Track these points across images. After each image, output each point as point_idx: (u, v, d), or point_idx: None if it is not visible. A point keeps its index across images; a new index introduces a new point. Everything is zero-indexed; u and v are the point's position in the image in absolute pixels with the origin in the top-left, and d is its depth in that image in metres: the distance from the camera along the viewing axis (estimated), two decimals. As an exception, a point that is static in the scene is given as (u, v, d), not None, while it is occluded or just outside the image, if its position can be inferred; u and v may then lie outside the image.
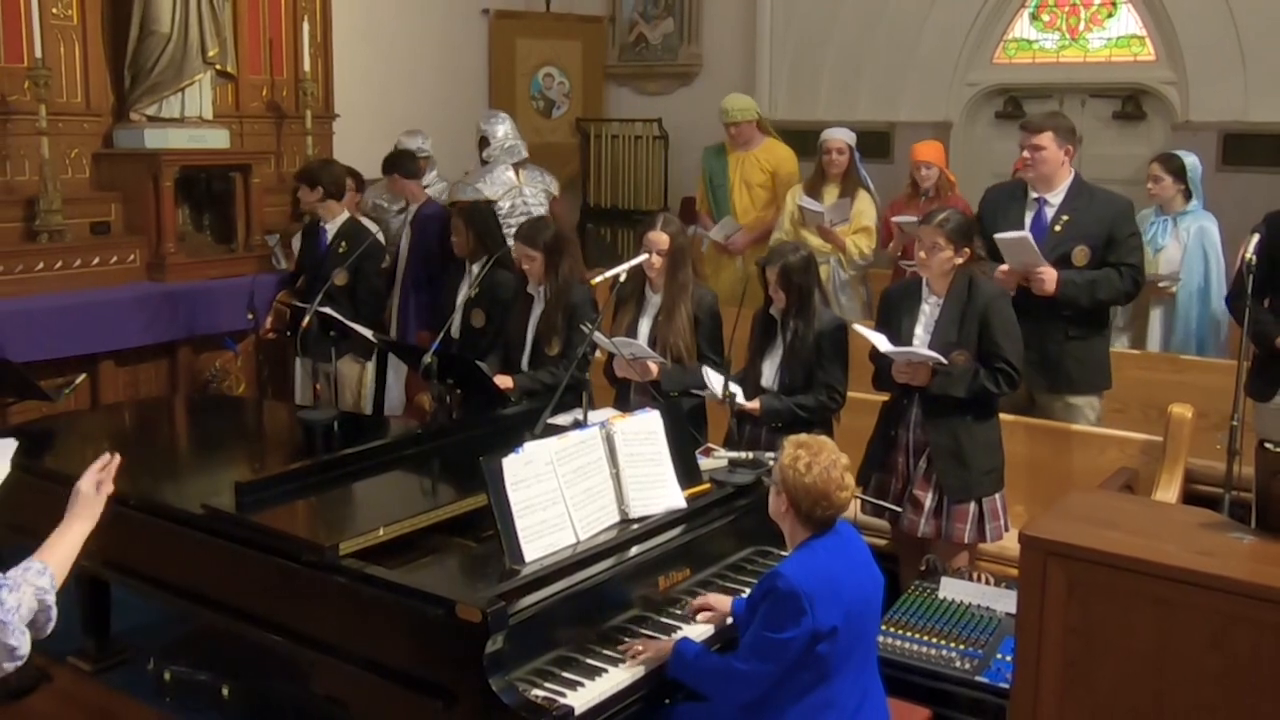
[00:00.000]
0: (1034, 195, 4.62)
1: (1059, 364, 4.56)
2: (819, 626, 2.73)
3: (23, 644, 2.08)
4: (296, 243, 6.30)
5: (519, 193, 6.53)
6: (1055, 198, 4.57)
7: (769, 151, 6.72)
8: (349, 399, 5.77)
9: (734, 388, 4.10)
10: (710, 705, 2.97)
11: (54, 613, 2.16)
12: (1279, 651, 2.37)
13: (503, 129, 6.63)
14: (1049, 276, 4.40)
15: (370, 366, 6.01)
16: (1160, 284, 5.38)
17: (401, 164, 6.38)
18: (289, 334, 5.72)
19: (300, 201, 5.77)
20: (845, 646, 2.80)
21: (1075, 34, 7.69)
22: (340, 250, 5.63)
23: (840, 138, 6.20)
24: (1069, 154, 4.54)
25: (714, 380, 4.16)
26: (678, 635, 3.07)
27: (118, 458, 2.42)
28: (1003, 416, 4.26)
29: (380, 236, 5.99)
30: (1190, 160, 5.53)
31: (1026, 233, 4.45)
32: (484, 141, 6.68)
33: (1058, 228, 4.54)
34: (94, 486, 2.35)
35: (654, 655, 2.97)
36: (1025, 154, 4.63)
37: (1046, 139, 4.50)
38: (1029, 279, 4.43)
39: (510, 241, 5.32)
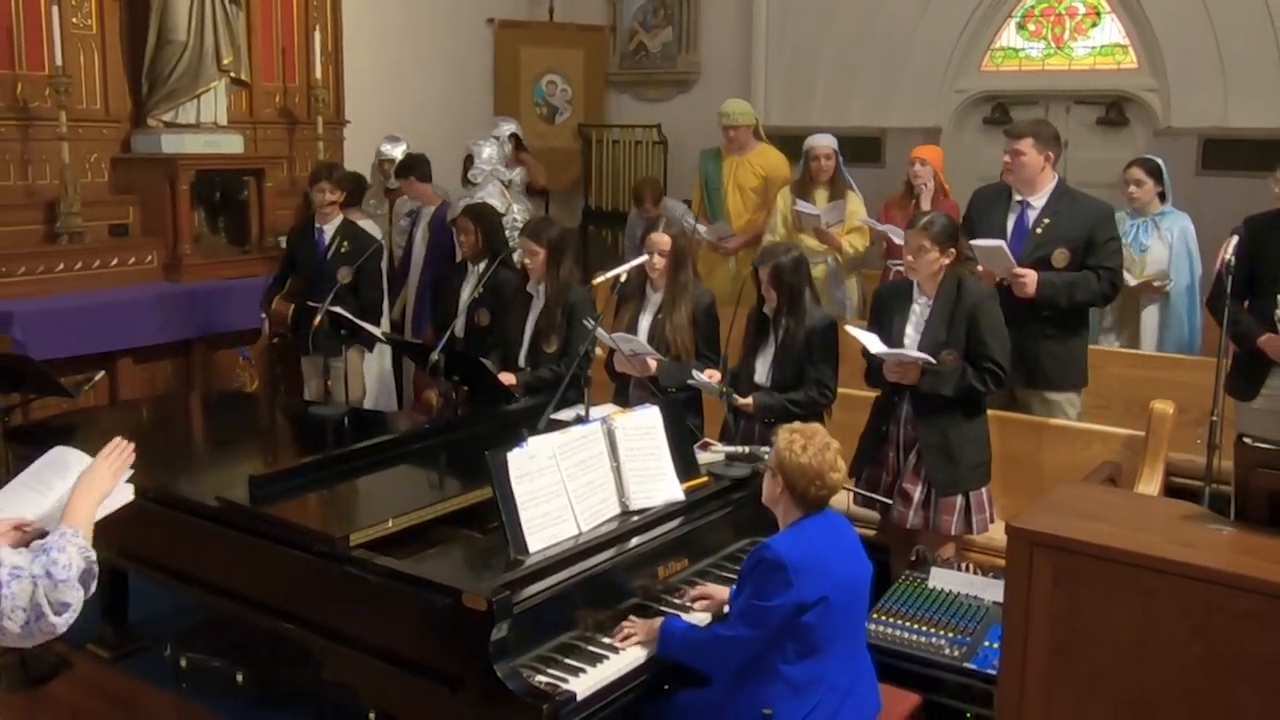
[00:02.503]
0: (1018, 198, 4.63)
1: (1036, 361, 4.56)
2: (803, 598, 2.75)
3: (76, 600, 2.06)
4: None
5: (510, 209, 6.62)
6: (1038, 201, 4.58)
7: (762, 157, 6.72)
8: (356, 393, 5.76)
9: (708, 378, 4.13)
10: (707, 691, 2.97)
11: (96, 569, 2.15)
12: (1258, 639, 2.37)
13: (488, 151, 6.70)
14: (1030, 280, 4.41)
15: (372, 358, 6.00)
16: (1155, 284, 5.36)
17: (417, 167, 6.38)
18: (290, 335, 5.72)
19: (319, 199, 5.73)
20: (833, 624, 2.82)
21: (1060, 43, 7.68)
22: (342, 249, 5.62)
23: (827, 144, 6.21)
24: (1049, 159, 4.55)
25: (701, 379, 4.17)
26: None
27: (130, 446, 2.38)
28: (992, 413, 4.26)
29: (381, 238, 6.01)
30: (1161, 162, 5.55)
31: (1002, 242, 4.45)
32: (469, 160, 6.74)
33: (1039, 230, 4.54)
34: (109, 474, 2.30)
35: (644, 635, 2.98)
36: (1007, 158, 4.66)
37: (1026, 145, 4.51)
38: (1010, 281, 4.43)
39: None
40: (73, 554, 2.08)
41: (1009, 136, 4.64)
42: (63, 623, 2.05)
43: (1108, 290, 4.57)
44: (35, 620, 2.02)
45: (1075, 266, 4.48)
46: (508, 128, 7.37)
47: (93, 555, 2.13)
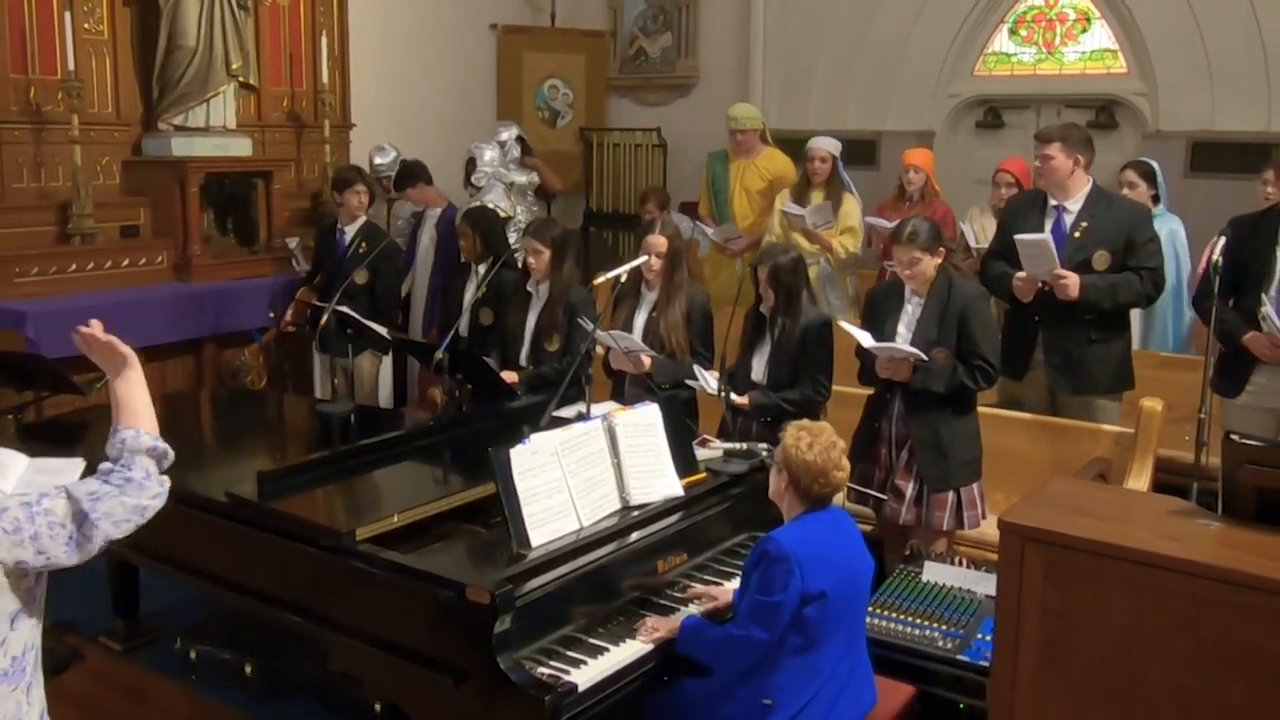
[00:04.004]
0: (1053, 203, 4.56)
1: (1080, 366, 4.49)
2: (807, 589, 2.76)
3: (163, 489, 2.12)
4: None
5: (514, 210, 6.63)
6: (1074, 205, 4.51)
7: (769, 160, 6.72)
8: (365, 393, 5.76)
9: (712, 380, 4.14)
10: (708, 681, 2.97)
11: (166, 447, 2.15)
12: (1246, 632, 2.36)
13: (490, 154, 6.72)
14: (1072, 282, 4.33)
15: (387, 362, 6.01)
16: None
17: (422, 174, 6.39)
18: (309, 328, 5.72)
19: (353, 201, 5.76)
20: (833, 616, 2.82)
21: (1051, 48, 7.67)
22: (360, 250, 5.65)
23: (823, 147, 6.19)
24: (1078, 163, 4.47)
25: (704, 377, 4.17)
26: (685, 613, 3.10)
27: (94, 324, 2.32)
28: (983, 410, 4.25)
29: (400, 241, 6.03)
30: (1156, 165, 5.53)
31: (1047, 235, 4.39)
32: (471, 163, 6.77)
33: (1077, 234, 4.47)
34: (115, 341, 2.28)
35: (665, 633, 3.00)
36: (1037, 162, 4.60)
37: (1054, 149, 4.46)
38: (1052, 284, 4.38)
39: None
40: (139, 459, 2.10)
41: (1038, 141, 4.57)
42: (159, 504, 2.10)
43: (1151, 290, 4.47)
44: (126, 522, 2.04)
45: (1116, 268, 4.41)
46: (508, 133, 7.37)
47: (159, 443, 2.12)
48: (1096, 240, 4.43)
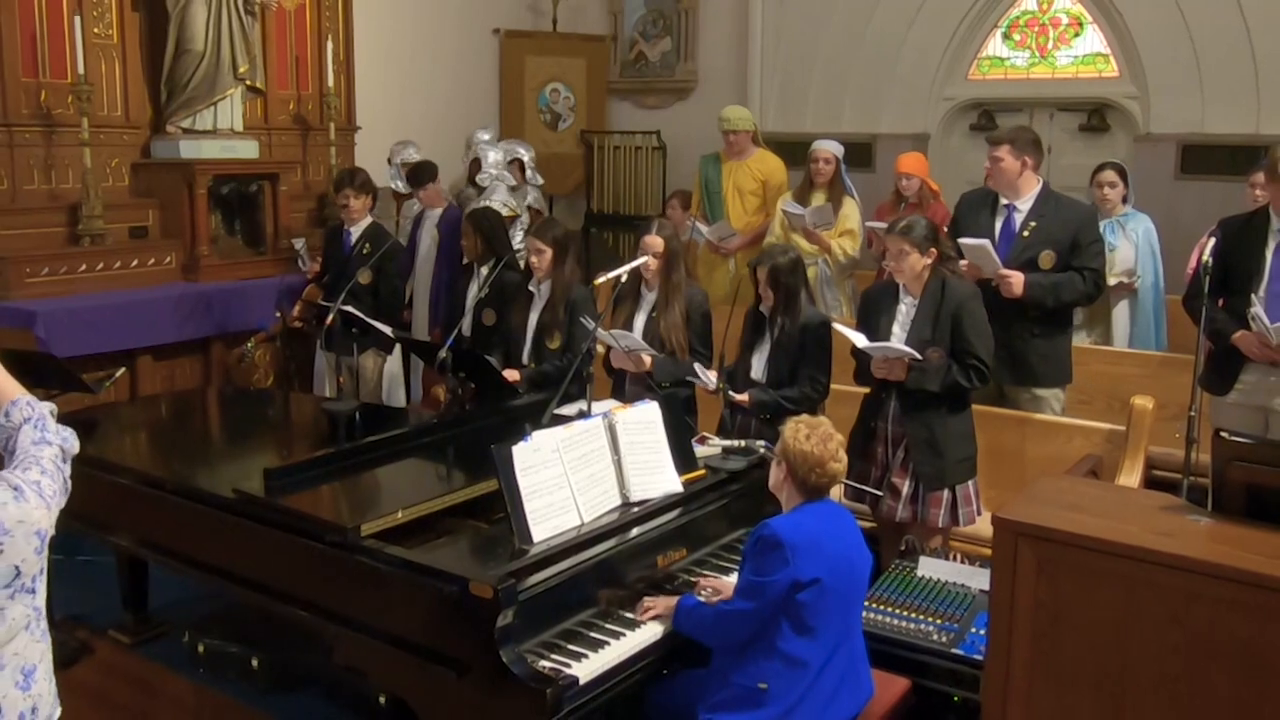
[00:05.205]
0: (1004, 202, 4.63)
1: (1024, 359, 4.58)
2: (799, 575, 2.77)
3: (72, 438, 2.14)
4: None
5: (517, 210, 6.65)
6: (1024, 205, 4.58)
7: (761, 161, 6.72)
8: (369, 391, 5.76)
9: (711, 377, 4.14)
10: (705, 673, 2.98)
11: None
12: (1234, 625, 2.37)
13: (494, 155, 6.75)
14: (1016, 280, 4.41)
15: (391, 360, 6.01)
16: (1124, 280, 5.41)
17: (431, 173, 6.40)
18: (316, 324, 5.73)
19: (346, 205, 5.76)
20: (828, 606, 2.83)
21: (1044, 52, 7.69)
22: (364, 251, 5.65)
23: (827, 148, 6.21)
24: (1027, 165, 4.55)
25: (703, 374, 4.18)
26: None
27: None
28: (977, 408, 4.26)
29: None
30: (1125, 166, 5.63)
31: (986, 241, 4.46)
32: (476, 164, 6.78)
33: (1025, 233, 4.54)
34: None
35: (663, 610, 3.02)
36: (988, 164, 4.69)
37: (1004, 151, 4.55)
38: (997, 282, 4.43)
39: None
40: (46, 413, 2.11)
41: (989, 144, 4.68)
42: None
43: (1092, 290, 4.57)
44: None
45: (1061, 268, 4.49)
46: (486, 135, 7.37)
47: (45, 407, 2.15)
48: (1044, 240, 4.50)
